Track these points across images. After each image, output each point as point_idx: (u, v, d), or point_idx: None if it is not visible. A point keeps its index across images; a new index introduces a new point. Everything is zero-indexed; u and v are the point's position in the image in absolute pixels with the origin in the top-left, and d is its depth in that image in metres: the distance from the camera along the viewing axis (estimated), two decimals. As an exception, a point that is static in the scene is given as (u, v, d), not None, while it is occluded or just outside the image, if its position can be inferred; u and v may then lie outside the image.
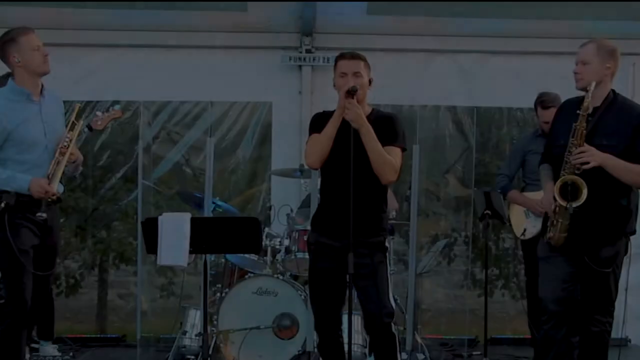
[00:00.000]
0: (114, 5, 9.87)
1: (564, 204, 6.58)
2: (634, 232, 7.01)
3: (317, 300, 6.93)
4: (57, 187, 6.72)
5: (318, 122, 6.89)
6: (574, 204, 6.55)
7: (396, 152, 6.78)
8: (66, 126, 7.06)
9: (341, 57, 6.96)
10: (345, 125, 6.70)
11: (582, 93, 6.79)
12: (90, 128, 7.69)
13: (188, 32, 10.22)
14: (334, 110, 6.80)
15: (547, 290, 7.04)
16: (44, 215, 6.66)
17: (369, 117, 6.78)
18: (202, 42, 10.30)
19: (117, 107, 7.45)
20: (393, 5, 9.93)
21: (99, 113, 8.31)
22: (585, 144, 6.62)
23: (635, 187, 6.86)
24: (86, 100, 9.93)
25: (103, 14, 10.01)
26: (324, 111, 7.04)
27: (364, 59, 6.92)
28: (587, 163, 6.57)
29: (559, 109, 7.14)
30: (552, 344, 7.05)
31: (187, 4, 9.86)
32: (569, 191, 6.59)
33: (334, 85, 6.86)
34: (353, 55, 6.94)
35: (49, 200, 6.72)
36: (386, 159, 6.66)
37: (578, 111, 6.64)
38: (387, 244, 6.97)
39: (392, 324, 6.79)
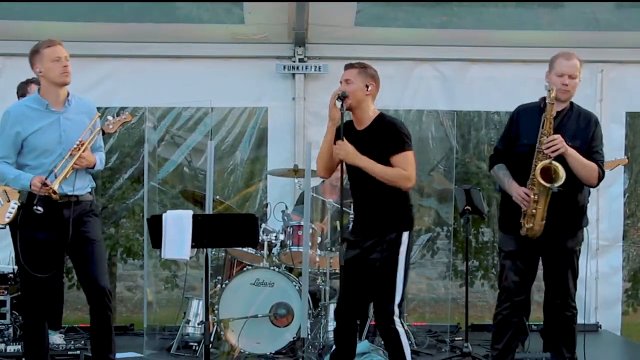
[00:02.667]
0: (122, 19, 9.87)
1: (548, 185, 6.69)
2: (587, 224, 7.27)
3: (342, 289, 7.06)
4: (58, 184, 6.62)
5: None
6: (556, 185, 6.68)
7: (406, 159, 6.82)
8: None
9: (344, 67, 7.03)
10: (353, 131, 6.88)
11: (524, 100, 7.23)
12: (102, 131, 7.68)
13: (190, 44, 10.22)
14: (347, 123, 6.91)
15: (511, 282, 7.16)
16: (40, 209, 6.57)
17: (372, 124, 6.89)
18: (203, 53, 10.29)
19: (127, 112, 7.45)
20: (379, 17, 9.93)
21: (110, 118, 8.33)
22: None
23: (587, 183, 7.07)
24: (96, 107, 9.92)
25: (111, 27, 10.02)
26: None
27: (359, 67, 6.95)
28: (557, 150, 6.73)
29: (517, 114, 7.23)
30: (509, 327, 7.21)
31: (189, 16, 9.88)
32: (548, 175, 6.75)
33: None
34: (348, 65, 7.00)
35: (47, 195, 6.61)
36: (394, 176, 6.76)
37: (546, 103, 6.88)
38: (401, 240, 6.85)
39: (396, 320, 6.77)
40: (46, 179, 6.60)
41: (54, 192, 6.56)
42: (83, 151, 6.77)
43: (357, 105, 6.86)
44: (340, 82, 6.92)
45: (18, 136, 6.75)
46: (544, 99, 7.03)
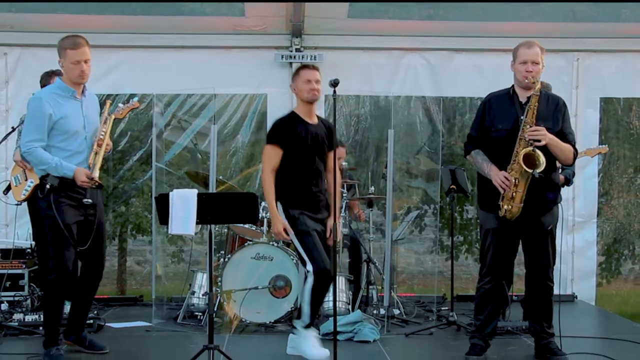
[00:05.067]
0: (132, 12, 9.86)
1: (530, 171, 6.74)
2: (561, 200, 7.32)
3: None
4: (98, 175, 6.83)
5: (279, 132, 7.30)
6: (537, 170, 6.74)
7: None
8: (100, 121, 7.17)
9: (304, 67, 7.38)
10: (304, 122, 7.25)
11: (506, 86, 7.24)
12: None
13: (194, 35, 10.21)
14: (292, 115, 7.33)
15: (492, 257, 7.20)
16: (90, 200, 6.82)
17: (318, 122, 7.40)
18: (207, 43, 10.28)
19: (135, 99, 7.51)
20: (371, 10, 9.93)
21: (120, 105, 8.33)
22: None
23: (564, 164, 7.25)
24: (107, 94, 9.92)
25: (122, 19, 10.02)
26: (282, 118, 7.40)
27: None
28: (539, 140, 6.76)
29: (487, 102, 7.24)
30: (490, 300, 7.29)
31: (193, 9, 9.88)
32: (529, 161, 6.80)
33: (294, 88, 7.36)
34: (314, 67, 7.37)
35: (93, 187, 6.80)
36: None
37: (528, 96, 6.94)
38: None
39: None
40: (89, 172, 6.81)
41: (96, 182, 6.75)
42: (107, 140, 7.02)
43: (316, 101, 7.34)
44: (310, 82, 7.22)
45: (50, 119, 6.83)
46: (512, 86, 7.15)
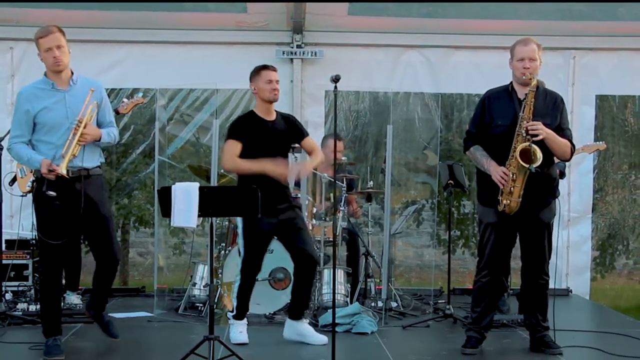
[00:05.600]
0: (136, 7, 9.86)
1: (526, 165, 6.76)
2: (559, 195, 7.32)
3: None
4: (65, 166, 6.59)
5: (238, 128, 7.43)
6: (534, 165, 6.76)
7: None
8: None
9: (264, 68, 7.55)
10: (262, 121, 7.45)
11: (503, 83, 7.25)
12: (117, 112, 7.64)
13: (197, 31, 10.21)
14: (250, 114, 7.53)
15: (493, 251, 7.20)
16: (52, 193, 6.57)
17: (277, 118, 7.56)
18: (210, 39, 10.28)
19: (140, 94, 7.44)
20: (370, 8, 9.94)
21: (125, 100, 8.30)
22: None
23: (561, 159, 7.27)
24: (111, 88, 9.91)
25: (126, 15, 10.01)
26: (240, 117, 7.63)
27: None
28: (537, 135, 6.78)
29: (487, 99, 7.24)
30: (488, 293, 7.30)
31: (196, 5, 9.89)
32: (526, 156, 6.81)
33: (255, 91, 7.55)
34: (274, 67, 7.61)
35: (54, 178, 6.59)
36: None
37: (526, 93, 6.92)
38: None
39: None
40: (51, 164, 6.58)
41: (58, 173, 6.54)
42: (83, 127, 6.70)
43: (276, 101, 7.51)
44: (271, 82, 7.45)
45: (28, 114, 6.72)
46: (511, 83, 7.16)
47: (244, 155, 7.31)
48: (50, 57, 6.74)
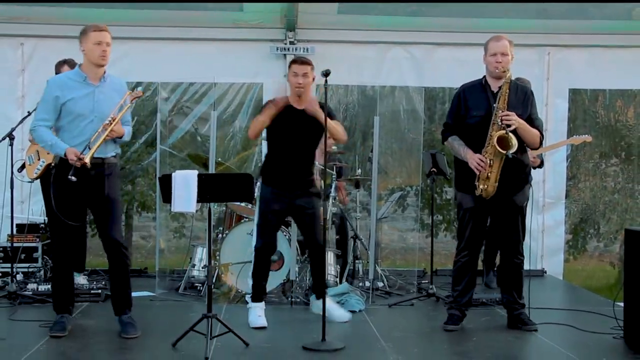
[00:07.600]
0: (139, 6, 9.83)
1: (504, 151, 6.80)
2: (531, 180, 7.50)
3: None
4: (90, 157, 6.59)
5: None
6: (510, 151, 6.81)
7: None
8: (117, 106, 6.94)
9: (294, 62, 7.39)
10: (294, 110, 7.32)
11: (477, 77, 7.31)
12: (123, 106, 7.61)
13: (196, 28, 10.18)
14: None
15: (471, 234, 7.24)
16: (74, 178, 6.50)
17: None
18: (208, 36, 10.24)
19: (140, 88, 7.41)
20: (359, 7, 9.92)
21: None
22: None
23: (531, 147, 7.24)
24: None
25: (129, 12, 9.98)
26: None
27: (311, 64, 7.37)
28: (510, 125, 6.83)
29: (462, 92, 7.29)
30: (467, 272, 7.34)
31: (196, 5, 9.86)
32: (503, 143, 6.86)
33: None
34: (302, 61, 7.36)
35: (80, 166, 6.60)
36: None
37: (499, 85, 7.03)
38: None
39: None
40: (81, 153, 6.58)
41: (84, 162, 6.55)
42: (114, 125, 6.75)
43: (307, 91, 7.35)
44: (295, 74, 7.28)
45: (57, 100, 6.70)
46: (484, 77, 7.20)
47: (268, 135, 7.49)
48: (99, 50, 6.77)
